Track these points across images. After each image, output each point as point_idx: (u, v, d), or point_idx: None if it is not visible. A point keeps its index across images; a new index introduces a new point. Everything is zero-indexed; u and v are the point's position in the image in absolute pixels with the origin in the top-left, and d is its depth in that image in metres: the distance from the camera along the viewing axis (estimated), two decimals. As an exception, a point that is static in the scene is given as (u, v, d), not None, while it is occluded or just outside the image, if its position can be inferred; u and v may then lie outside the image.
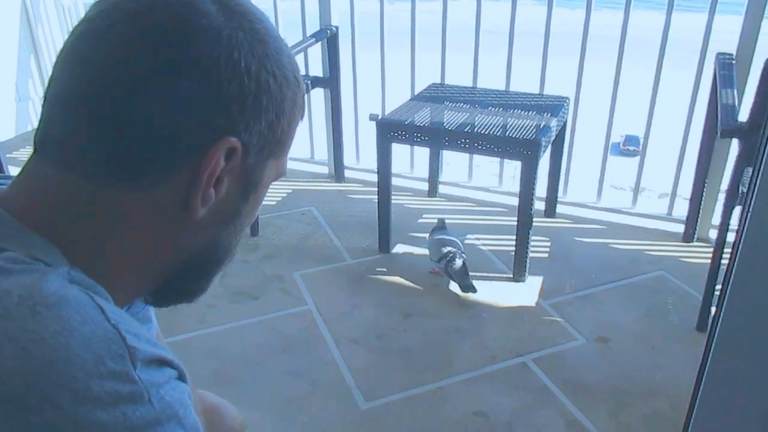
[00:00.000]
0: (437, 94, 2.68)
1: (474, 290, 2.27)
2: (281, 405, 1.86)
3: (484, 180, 3.10)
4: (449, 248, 2.33)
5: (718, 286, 2.04)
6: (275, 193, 3.09)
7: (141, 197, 0.58)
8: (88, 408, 0.47)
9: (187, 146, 0.57)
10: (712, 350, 0.95)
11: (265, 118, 0.60)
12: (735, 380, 0.97)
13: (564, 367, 2.00)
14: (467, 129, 2.30)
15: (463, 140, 2.29)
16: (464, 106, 2.53)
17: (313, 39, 2.75)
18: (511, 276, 2.42)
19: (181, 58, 0.55)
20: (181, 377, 0.56)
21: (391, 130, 2.38)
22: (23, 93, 3.65)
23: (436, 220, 2.51)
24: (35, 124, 3.73)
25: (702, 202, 2.55)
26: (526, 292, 2.35)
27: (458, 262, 2.30)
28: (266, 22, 0.61)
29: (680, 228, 2.66)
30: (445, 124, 2.36)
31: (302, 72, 3.00)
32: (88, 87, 0.56)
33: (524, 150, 2.19)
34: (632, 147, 11.37)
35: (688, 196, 2.59)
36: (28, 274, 0.53)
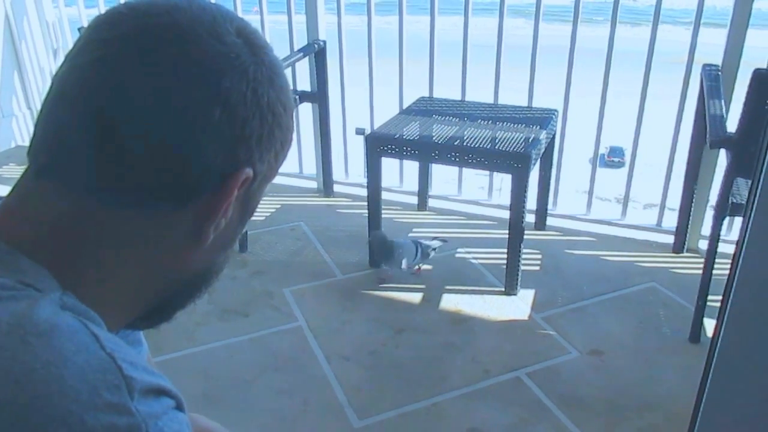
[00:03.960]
0: (426, 108, 2.67)
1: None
2: (273, 425, 1.83)
3: (473, 193, 3.09)
4: (407, 244, 2.42)
5: (711, 297, 2.05)
6: (264, 208, 3.06)
7: (151, 222, 0.58)
8: None
9: (210, 177, 0.57)
10: (713, 364, 0.94)
11: (275, 148, 0.62)
12: (737, 394, 0.95)
13: (558, 380, 1.98)
14: (457, 142, 2.30)
15: (452, 154, 2.28)
16: (453, 120, 2.52)
17: (301, 53, 2.74)
18: (503, 289, 2.40)
19: (213, 92, 0.55)
20: (179, 407, 0.54)
21: (380, 144, 2.37)
22: (6, 110, 3.60)
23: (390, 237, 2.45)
24: (19, 141, 3.70)
25: (691, 213, 2.55)
26: (518, 306, 2.33)
27: (434, 243, 2.49)
28: (273, 51, 0.62)
29: (670, 239, 2.67)
30: (434, 138, 2.35)
31: (290, 86, 3.04)
32: (113, 113, 0.53)
33: (514, 163, 2.18)
34: (617, 158, 11.51)
35: (676, 206, 2.60)
36: (18, 300, 0.50)
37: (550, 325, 2.22)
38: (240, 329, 2.22)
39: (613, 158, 11.72)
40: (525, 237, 2.34)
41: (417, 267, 2.48)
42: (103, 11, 0.60)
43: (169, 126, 0.54)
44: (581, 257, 2.64)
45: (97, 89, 0.54)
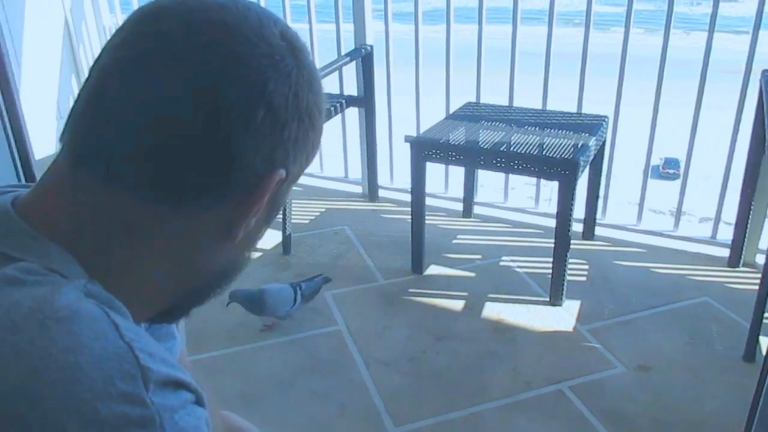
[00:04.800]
0: (473, 113, 2.64)
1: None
2: (308, 427, 1.82)
3: (520, 201, 3.04)
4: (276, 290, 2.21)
5: (767, 314, 1.95)
6: (309, 211, 3.08)
7: (186, 218, 0.58)
8: None
9: (247, 176, 0.57)
10: (766, 383, 0.88)
11: (307, 151, 0.62)
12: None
13: (602, 395, 1.92)
14: (503, 148, 2.26)
15: (498, 159, 2.24)
16: (500, 125, 2.48)
17: (348, 58, 2.75)
18: (548, 299, 2.34)
19: (258, 94, 0.55)
20: (199, 402, 0.53)
21: (426, 149, 2.34)
22: (64, 111, 3.72)
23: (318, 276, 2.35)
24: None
25: (748, 225, 2.45)
26: (562, 317, 2.27)
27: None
28: (311, 54, 0.62)
29: (725, 252, 2.56)
30: (480, 143, 2.32)
31: (337, 91, 3.04)
32: (156, 109, 0.53)
33: (562, 170, 2.13)
34: (672, 170, 11.20)
35: (732, 219, 2.50)
36: (42, 286, 0.50)
37: (596, 338, 2.16)
38: (281, 331, 2.23)
39: (668, 170, 11.41)
40: (572, 247, 2.28)
41: (293, 317, 2.24)
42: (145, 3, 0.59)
43: (212, 125, 0.54)
44: (630, 269, 2.56)
45: (141, 84, 0.54)
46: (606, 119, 2.51)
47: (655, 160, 5.22)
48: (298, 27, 2.99)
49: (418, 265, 2.54)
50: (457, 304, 2.36)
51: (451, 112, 2.70)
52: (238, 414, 1.02)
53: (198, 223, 0.59)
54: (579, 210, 2.73)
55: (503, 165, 2.25)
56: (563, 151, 2.19)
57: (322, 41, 3.13)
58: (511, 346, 2.14)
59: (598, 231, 2.77)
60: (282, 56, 0.57)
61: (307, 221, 2.99)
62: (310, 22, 3.05)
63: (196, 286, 0.65)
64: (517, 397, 1.91)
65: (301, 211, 3.06)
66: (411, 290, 2.45)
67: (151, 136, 0.54)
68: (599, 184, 2.66)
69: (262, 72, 0.55)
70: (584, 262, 2.58)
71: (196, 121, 0.54)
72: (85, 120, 0.56)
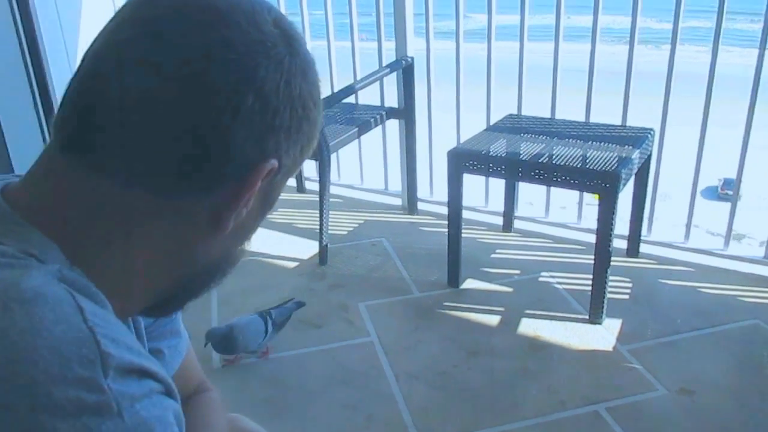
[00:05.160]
0: (513, 125, 2.59)
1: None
2: (334, 438, 1.80)
3: (562, 216, 2.96)
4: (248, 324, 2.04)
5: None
6: (347, 223, 3.07)
7: (174, 209, 0.57)
8: (46, 416, 0.42)
9: (237, 164, 0.56)
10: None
11: (301, 142, 0.61)
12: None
13: (641, 418, 1.83)
14: (542, 159, 2.20)
15: (538, 171, 2.19)
16: (541, 137, 2.42)
17: (388, 69, 2.74)
18: (587, 317, 2.26)
19: (248, 80, 0.54)
20: (170, 394, 0.51)
21: (463, 160, 2.31)
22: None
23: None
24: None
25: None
26: (602, 336, 2.19)
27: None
28: (306, 45, 0.61)
29: (779, 274, 2.43)
30: (519, 155, 2.27)
31: (377, 102, 3.03)
32: (144, 93, 0.53)
33: (602, 182, 2.06)
34: (731, 191, 10.79)
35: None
36: (13, 268, 0.50)
37: (637, 359, 2.07)
38: (312, 340, 2.21)
39: (726, 191, 11.00)
40: (616, 264, 2.19)
41: (265, 349, 2.10)
42: None
43: (200, 109, 0.53)
44: (677, 288, 2.45)
45: (131, 68, 0.54)
46: (652, 132, 2.43)
47: (714, 181, 5.03)
48: (343, 45, 3.05)
49: (454, 279, 2.49)
50: (493, 319, 2.30)
51: (491, 123, 2.66)
52: (262, 421, 0.99)
53: (186, 213, 0.57)
54: (623, 226, 2.65)
55: (542, 177, 2.20)
56: (604, 164, 2.12)
57: (364, 56, 3.14)
58: (546, 363, 2.07)
59: (644, 248, 2.67)
60: (274, 43, 0.56)
61: (345, 232, 2.98)
62: (352, 40, 3.07)
63: (187, 278, 0.63)
64: (550, 417, 1.85)
65: (339, 222, 3.06)
66: (446, 303, 2.40)
67: (137, 120, 0.53)
68: (644, 200, 2.56)
69: (252, 58, 0.55)
70: (627, 279, 2.49)
71: (183, 105, 0.53)
72: (73, 105, 0.56)
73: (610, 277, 2.20)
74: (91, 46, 0.57)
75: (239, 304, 2.36)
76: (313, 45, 3.20)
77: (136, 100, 0.53)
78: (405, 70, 2.83)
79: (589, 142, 2.34)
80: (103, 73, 0.55)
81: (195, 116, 0.53)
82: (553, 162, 2.19)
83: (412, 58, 2.85)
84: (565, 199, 3.04)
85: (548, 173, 2.18)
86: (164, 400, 0.49)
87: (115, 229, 0.56)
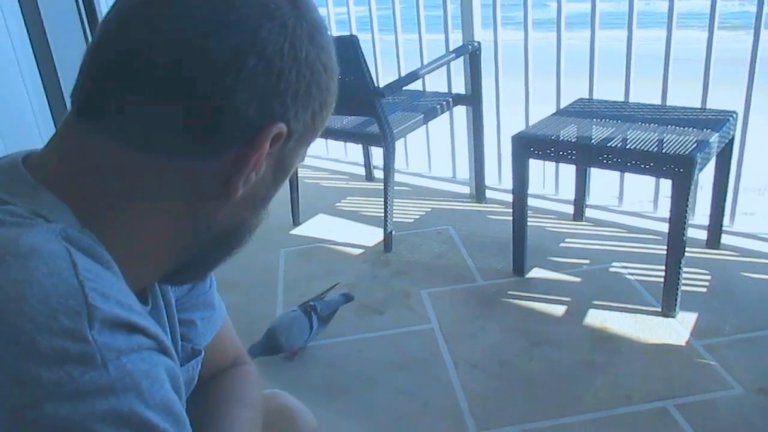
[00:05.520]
0: (584, 109, 2.49)
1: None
2: (389, 423, 1.79)
3: (636, 205, 2.83)
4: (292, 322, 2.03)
5: None
6: (413, 210, 3.05)
7: (182, 172, 0.57)
8: (30, 364, 0.43)
9: (242, 126, 0.57)
10: None
11: (311, 108, 0.60)
12: None
13: (713, 417, 1.73)
14: (613, 144, 2.11)
15: (607, 156, 2.10)
16: (613, 122, 2.32)
17: (454, 54, 2.70)
18: (659, 310, 2.15)
19: (249, 41, 0.55)
20: (163, 351, 0.51)
21: (528, 146, 2.24)
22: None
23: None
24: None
25: None
26: (675, 329, 2.08)
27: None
28: (318, 11, 0.61)
29: None
30: (587, 139, 2.18)
31: (444, 89, 2.99)
32: (148, 55, 0.54)
33: (676, 167, 1.95)
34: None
35: None
36: (18, 227, 0.51)
37: (712, 355, 1.95)
38: (373, 326, 2.21)
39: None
40: (694, 255, 2.08)
41: (295, 350, 2.04)
42: None
43: (202, 71, 0.54)
44: (760, 281, 2.30)
45: (135, 31, 0.55)
46: (734, 114, 2.27)
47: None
48: (411, 37, 3.02)
49: (519, 267, 2.43)
50: (558, 309, 2.23)
51: (561, 107, 2.57)
52: (319, 404, 1.00)
53: (193, 177, 0.58)
54: (703, 216, 2.51)
55: (612, 162, 2.10)
56: (678, 147, 2.00)
57: (431, 48, 3.11)
58: (613, 356, 1.99)
59: (725, 239, 2.51)
60: (278, 5, 0.56)
61: (412, 220, 2.96)
62: (420, 32, 3.05)
63: (202, 244, 0.64)
64: (614, 411, 1.77)
65: (406, 210, 3.04)
66: (510, 292, 2.35)
67: (139, 82, 0.54)
68: (726, 188, 2.41)
69: (254, 20, 0.55)
70: (706, 272, 2.35)
71: (187, 67, 0.54)
72: (87, 71, 0.58)
73: (687, 269, 2.09)
74: (105, 16, 0.58)
75: (304, 288, 2.39)
76: (379, 38, 3.21)
77: (139, 62, 0.54)
78: (471, 55, 2.77)
79: (665, 126, 2.22)
80: (112, 39, 0.57)
81: (197, 77, 0.54)
82: (624, 146, 2.09)
83: (479, 43, 2.79)
84: (642, 191, 2.90)
85: (618, 158, 2.08)
86: (155, 356, 0.50)
87: (127, 193, 0.57)
